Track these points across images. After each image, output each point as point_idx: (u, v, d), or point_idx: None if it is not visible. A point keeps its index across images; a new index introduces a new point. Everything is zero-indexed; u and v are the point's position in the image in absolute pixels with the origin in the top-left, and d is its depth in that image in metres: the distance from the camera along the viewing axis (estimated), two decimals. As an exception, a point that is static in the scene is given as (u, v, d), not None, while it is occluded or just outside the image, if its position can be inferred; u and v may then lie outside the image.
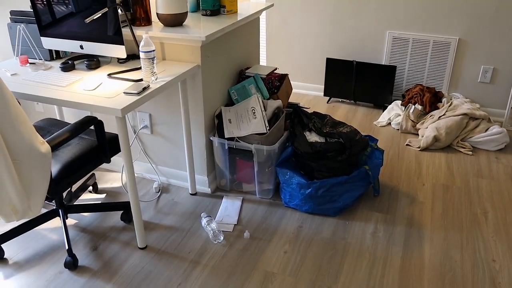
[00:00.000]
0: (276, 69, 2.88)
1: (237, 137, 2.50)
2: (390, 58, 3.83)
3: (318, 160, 2.48)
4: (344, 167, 2.49)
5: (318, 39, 4.02)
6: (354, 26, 3.85)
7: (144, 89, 2.02)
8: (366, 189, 2.57)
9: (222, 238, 2.33)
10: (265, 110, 2.55)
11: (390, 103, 3.73)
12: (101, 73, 2.29)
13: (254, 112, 2.52)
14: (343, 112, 3.85)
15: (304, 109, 2.80)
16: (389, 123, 3.59)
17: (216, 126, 2.61)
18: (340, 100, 4.08)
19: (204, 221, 2.41)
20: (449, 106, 3.38)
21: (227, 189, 2.75)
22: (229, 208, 2.57)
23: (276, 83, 2.76)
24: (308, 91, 4.26)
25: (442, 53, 3.64)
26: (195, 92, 2.48)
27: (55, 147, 1.90)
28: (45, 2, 2.33)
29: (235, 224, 2.45)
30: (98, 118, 2.11)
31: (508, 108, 3.42)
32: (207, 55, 2.44)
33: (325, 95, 4.05)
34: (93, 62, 2.37)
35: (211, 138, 2.58)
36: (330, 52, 4.03)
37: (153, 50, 2.07)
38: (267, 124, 2.47)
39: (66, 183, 2.05)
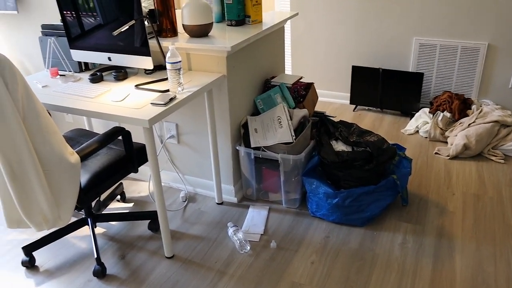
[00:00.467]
0: (301, 78, 2.87)
1: (263, 146, 2.50)
2: (417, 65, 3.77)
3: (345, 170, 2.45)
4: (372, 177, 2.45)
5: (343, 46, 4.00)
6: (380, 33, 3.81)
7: (171, 99, 2.04)
8: (394, 199, 2.52)
9: (248, 248, 2.32)
10: (291, 119, 2.54)
11: (418, 111, 3.67)
12: (128, 84, 2.33)
13: (280, 122, 2.52)
14: (369, 120, 3.80)
15: (330, 117, 2.78)
16: (417, 131, 3.53)
17: (242, 135, 2.61)
18: (367, 108, 4.03)
19: (230, 231, 2.40)
20: (479, 113, 3.31)
21: (253, 198, 2.74)
22: (255, 217, 2.56)
23: (302, 92, 2.75)
24: (334, 99, 4.23)
25: (471, 59, 3.56)
26: (221, 102, 2.49)
27: (84, 157, 1.93)
28: (74, 15, 2.38)
29: (261, 234, 2.44)
30: (126, 129, 2.14)
31: (541, 115, 3.32)
32: (232, 65, 2.45)
33: (351, 103, 4.02)
34: (121, 73, 2.41)
35: (237, 147, 2.59)
36: (355, 60, 4.00)
37: (180, 61, 2.09)
38: (293, 134, 2.46)
39: (94, 192, 2.08)
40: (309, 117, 2.69)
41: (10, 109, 1.63)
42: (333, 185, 2.51)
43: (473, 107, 3.44)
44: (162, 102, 1.99)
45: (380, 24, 3.78)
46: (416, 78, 3.66)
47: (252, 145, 2.51)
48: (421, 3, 3.57)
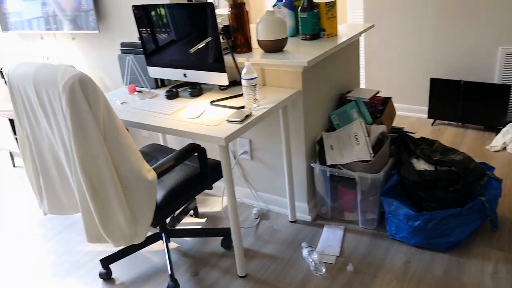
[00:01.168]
0: (378, 92, 2.75)
1: (339, 164, 2.40)
2: (503, 76, 3.51)
3: (427, 190, 2.30)
4: (457, 198, 2.28)
5: (420, 58, 3.81)
6: (461, 43, 3.59)
7: (247, 116, 2.00)
8: (482, 223, 2.33)
9: (324, 270, 2.22)
10: (368, 136, 2.43)
11: (505, 126, 3.41)
12: (203, 101, 2.33)
13: (357, 138, 2.41)
14: (450, 135, 3.58)
15: (410, 134, 2.63)
16: (504, 148, 3.27)
17: (317, 152, 2.52)
18: (446, 122, 3.81)
19: (305, 252, 2.32)
20: None
21: (328, 217, 2.64)
22: (330, 238, 2.46)
23: (379, 107, 2.63)
24: (410, 113, 4.04)
25: None
26: (296, 118, 2.43)
27: (161, 174, 1.93)
28: (149, 31, 2.43)
29: (337, 256, 2.33)
30: (201, 145, 2.13)
31: None
32: (308, 80, 2.38)
33: (429, 117, 3.81)
34: (196, 89, 2.41)
35: (312, 165, 2.50)
36: (434, 72, 3.80)
37: (256, 77, 2.05)
38: (371, 151, 2.35)
39: (170, 209, 2.08)
40: (388, 133, 2.56)
41: (93, 127, 1.66)
42: (414, 206, 2.36)
43: None
44: (238, 119, 1.96)
45: (461, 34, 3.56)
46: (502, 91, 3.40)
47: (328, 163, 2.42)
48: (508, 9, 3.32)
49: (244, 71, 2.05)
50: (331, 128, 2.67)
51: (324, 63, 2.53)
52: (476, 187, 2.39)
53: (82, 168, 1.72)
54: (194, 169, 2.23)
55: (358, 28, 2.85)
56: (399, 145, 2.56)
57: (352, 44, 2.87)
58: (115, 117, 1.74)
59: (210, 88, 2.52)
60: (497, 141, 3.32)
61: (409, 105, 4.02)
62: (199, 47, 2.21)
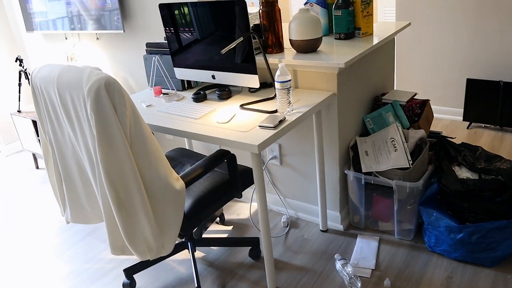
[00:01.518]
0: (416, 94, 2.60)
1: (375, 171, 2.26)
2: (546, 77, 3.32)
3: (471, 200, 2.14)
4: (504, 209, 2.12)
5: (456, 57, 3.63)
6: (500, 41, 3.40)
7: (280, 122, 1.88)
8: (531, 236, 2.17)
9: (359, 285, 2.09)
10: (406, 141, 2.29)
11: (548, 130, 3.22)
12: (233, 104, 2.21)
13: (394, 144, 2.27)
14: (487, 139, 3.40)
15: (450, 139, 2.48)
16: (548, 153, 3.09)
17: (351, 158, 2.39)
18: (483, 125, 3.62)
19: (338, 264, 2.19)
20: None
21: (361, 226, 2.50)
22: (364, 249, 2.33)
23: (417, 110, 2.48)
24: (443, 115, 3.86)
25: None
26: (330, 121, 2.30)
27: (189, 183, 1.83)
28: (176, 31, 2.33)
29: (372, 269, 2.20)
30: (231, 152, 2.01)
31: None
32: (343, 82, 2.25)
33: (464, 119, 3.63)
34: (225, 92, 2.30)
35: (345, 171, 2.37)
36: (470, 72, 3.61)
37: (289, 80, 1.93)
38: (409, 158, 2.21)
39: (197, 219, 1.97)
40: (426, 139, 2.41)
41: (118, 133, 1.56)
42: (456, 217, 2.21)
43: None
44: (272, 125, 1.84)
45: (500, 31, 3.37)
46: (545, 93, 3.22)
47: (364, 170, 2.28)
48: (553, 8, 3.14)
49: (277, 73, 1.93)
50: (364, 132, 2.53)
51: (359, 64, 2.39)
52: (524, 197, 2.23)
53: (107, 176, 1.63)
54: (222, 176, 2.12)
55: (393, 27, 2.70)
56: (439, 151, 2.41)
57: (387, 44, 2.73)
58: (142, 123, 1.64)
59: (239, 90, 2.41)
60: (540, 146, 3.14)
61: (442, 107, 3.84)
62: (230, 47, 2.09)
